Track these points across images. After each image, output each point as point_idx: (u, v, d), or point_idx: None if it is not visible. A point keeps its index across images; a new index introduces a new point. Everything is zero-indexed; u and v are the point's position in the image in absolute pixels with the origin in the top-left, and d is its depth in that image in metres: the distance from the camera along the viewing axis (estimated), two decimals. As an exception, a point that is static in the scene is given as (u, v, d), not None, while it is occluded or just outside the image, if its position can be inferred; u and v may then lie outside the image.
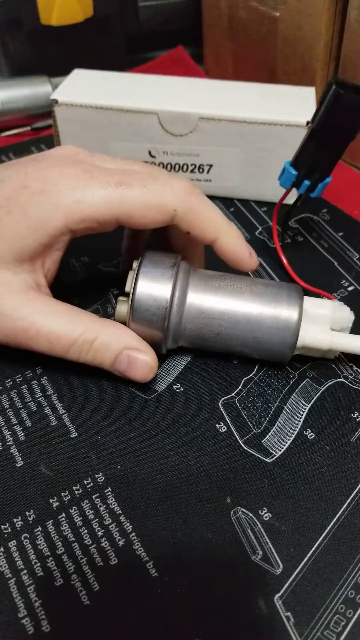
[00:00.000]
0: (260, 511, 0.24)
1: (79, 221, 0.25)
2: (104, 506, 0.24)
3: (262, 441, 0.27)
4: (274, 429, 0.27)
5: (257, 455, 0.26)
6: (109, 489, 0.25)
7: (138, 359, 0.26)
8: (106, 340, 0.26)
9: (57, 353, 0.26)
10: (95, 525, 0.24)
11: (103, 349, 0.26)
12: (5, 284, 0.25)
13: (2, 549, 0.23)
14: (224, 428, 0.27)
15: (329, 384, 0.29)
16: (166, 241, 0.30)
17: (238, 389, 0.29)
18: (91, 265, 0.35)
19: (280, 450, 0.26)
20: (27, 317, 0.25)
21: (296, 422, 0.27)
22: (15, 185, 0.25)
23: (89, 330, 0.26)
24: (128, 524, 0.24)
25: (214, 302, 0.27)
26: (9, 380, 0.29)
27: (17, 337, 0.26)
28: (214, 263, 0.32)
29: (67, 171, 0.25)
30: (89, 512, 0.24)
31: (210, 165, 0.39)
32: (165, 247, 0.30)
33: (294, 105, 0.37)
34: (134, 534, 0.23)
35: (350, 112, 0.27)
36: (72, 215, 0.25)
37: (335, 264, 0.36)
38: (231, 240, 0.27)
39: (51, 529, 0.23)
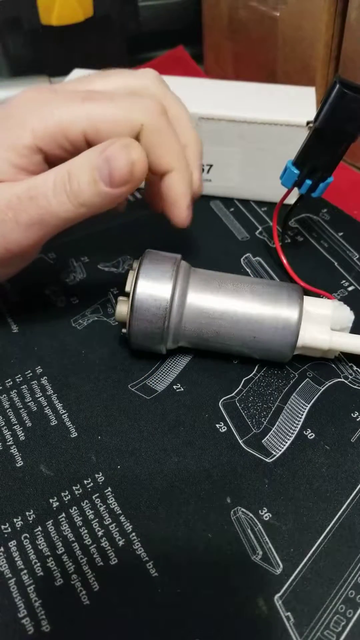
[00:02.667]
0: (260, 511, 0.24)
1: (46, 137, 0.24)
2: (104, 506, 0.24)
3: (262, 441, 0.27)
4: (274, 429, 0.27)
5: (257, 455, 0.26)
6: (109, 489, 0.25)
7: (114, 148, 0.23)
8: (79, 162, 0.24)
9: (42, 205, 0.23)
10: (95, 525, 0.24)
11: (80, 170, 0.23)
12: None
13: (2, 549, 0.23)
14: (224, 428, 0.27)
15: (329, 384, 0.29)
16: None
17: (238, 389, 0.29)
18: (91, 265, 0.35)
19: (280, 450, 0.26)
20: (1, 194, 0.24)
21: (296, 422, 0.27)
22: None
23: (60, 168, 0.24)
24: (128, 524, 0.24)
25: (214, 302, 0.27)
26: (9, 380, 0.29)
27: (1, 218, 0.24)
28: (214, 263, 0.32)
29: (30, 94, 0.25)
30: (89, 512, 0.24)
31: (210, 165, 0.39)
32: None
33: (294, 105, 0.37)
34: (134, 534, 0.23)
35: (353, 112, 0.27)
36: (39, 131, 0.24)
37: (335, 264, 0.36)
38: (182, 178, 0.26)
39: (51, 529, 0.23)
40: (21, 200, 0.24)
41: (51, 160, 0.25)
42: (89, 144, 0.25)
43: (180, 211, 0.27)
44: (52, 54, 0.53)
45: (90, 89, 0.27)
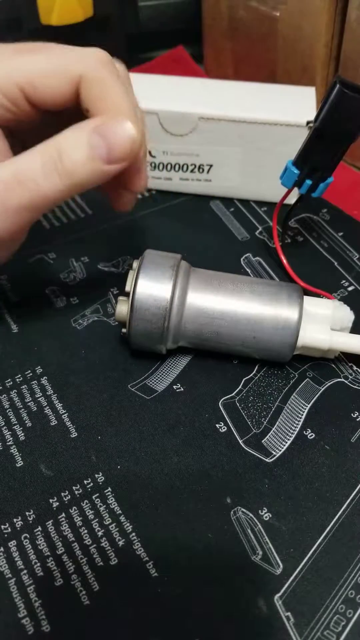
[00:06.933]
0: (260, 511, 0.24)
1: None
2: (104, 506, 0.24)
3: (262, 441, 0.27)
4: (274, 429, 0.27)
5: (257, 455, 0.26)
6: (109, 489, 0.25)
7: (112, 125, 0.22)
8: (69, 139, 0.22)
9: (31, 188, 0.22)
10: (95, 525, 0.24)
11: (73, 148, 0.22)
12: None
13: (2, 549, 0.23)
14: (224, 428, 0.27)
15: (329, 384, 0.29)
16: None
17: (238, 389, 0.29)
18: (91, 265, 0.35)
19: (280, 450, 0.26)
20: None
21: (296, 422, 0.27)
22: None
23: (46, 146, 0.22)
24: (128, 524, 0.24)
25: (214, 301, 0.27)
26: (9, 380, 0.29)
27: None
28: (214, 263, 0.32)
29: None
30: (89, 512, 0.24)
31: (210, 165, 0.39)
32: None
33: (294, 105, 0.37)
34: (134, 534, 0.23)
35: (353, 112, 0.27)
36: None
37: (335, 264, 0.36)
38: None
39: (51, 529, 0.23)
40: (7, 185, 0.22)
41: None
42: (29, 101, 0.23)
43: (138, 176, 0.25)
44: (52, 54, 0.53)
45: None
